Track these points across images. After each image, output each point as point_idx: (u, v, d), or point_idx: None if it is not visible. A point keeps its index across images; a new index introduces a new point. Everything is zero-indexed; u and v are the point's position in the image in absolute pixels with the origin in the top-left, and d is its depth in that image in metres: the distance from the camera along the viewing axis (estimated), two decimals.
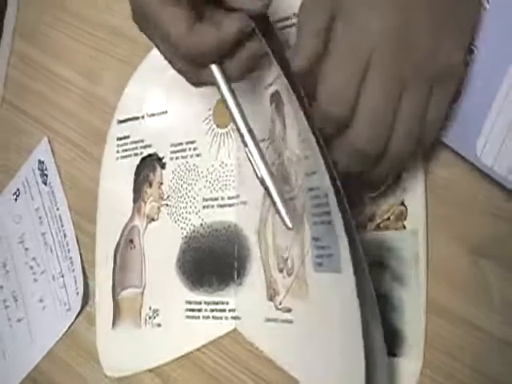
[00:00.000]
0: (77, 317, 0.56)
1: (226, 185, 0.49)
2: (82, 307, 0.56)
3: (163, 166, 0.52)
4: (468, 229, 0.38)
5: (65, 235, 0.58)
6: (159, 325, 0.51)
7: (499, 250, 0.37)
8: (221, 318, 0.47)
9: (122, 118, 0.56)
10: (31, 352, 0.58)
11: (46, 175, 0.61)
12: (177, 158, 0.52)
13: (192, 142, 0.51)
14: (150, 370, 0.51)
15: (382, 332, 0.35)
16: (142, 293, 0.52)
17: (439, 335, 0.38)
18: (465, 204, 0.38)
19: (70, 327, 0.56)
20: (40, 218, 0.60)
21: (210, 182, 0.50)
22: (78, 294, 0.56)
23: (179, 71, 0.39)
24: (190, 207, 0.50)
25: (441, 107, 0.35)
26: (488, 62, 0.36)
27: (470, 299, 0.37)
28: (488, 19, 0.35)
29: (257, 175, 0.37)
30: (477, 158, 0.36)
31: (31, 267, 0.60)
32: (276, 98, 0.45)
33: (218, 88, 0.38)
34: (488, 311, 0.37)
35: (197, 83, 0.39)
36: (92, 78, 0.59)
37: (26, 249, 0.61)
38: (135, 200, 0.54)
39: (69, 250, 0.57)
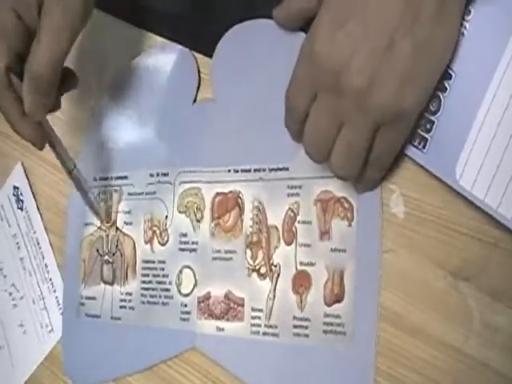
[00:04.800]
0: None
1: None
2: None
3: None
4: (447, 252, 0.38)
5: (43, 257, 0.58)
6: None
7: (478, 272, 0.37)
8: None
9: None
10: (12, 378, 0.58)
11: (22, 200, 0.61)
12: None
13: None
14: (114, 381, 0.52)
15: None
16: None
17: (418, 357, 0.38)
18: (444, 227, 0.38)
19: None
20: (17, 243, 0.60)
21: None
22: (62, 314, 0.56)
23: None
24: None
25: (387, 147, 0.37)
26: (466, 85, 0.35)
27: (449, 322, 0.38)
28: (466, 44, 0.35)
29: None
30: (456, 181, 0.36)
31: (10, 293, 0.60)
32: None
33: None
34: (468, 334, 0.37)
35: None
36: (76, 103, 0.58)
37: (5, 276, 0.61)
38: None
39: (48, 272, 0.58)
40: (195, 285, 0.48)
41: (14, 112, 0.43)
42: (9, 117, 0.44)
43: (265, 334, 0.44)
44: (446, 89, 0.36)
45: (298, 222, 0.44)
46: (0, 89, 0.43)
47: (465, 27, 0.35)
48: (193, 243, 0.48)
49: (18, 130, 0.44)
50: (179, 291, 0.48)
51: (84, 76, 0.51)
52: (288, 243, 0.44)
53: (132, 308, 0.51)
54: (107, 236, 0.54)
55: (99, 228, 0.54)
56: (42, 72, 0.42)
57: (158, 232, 0.50)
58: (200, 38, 0.51)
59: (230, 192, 0.47)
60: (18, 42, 0.43)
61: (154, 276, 0.50)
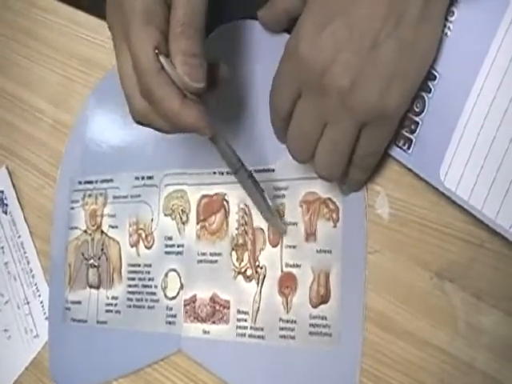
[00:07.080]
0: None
1: None
2: None
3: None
4: (432, 253, 0.38)
5: (28, 262, 0.58)
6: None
7: (464, 273, 0.37)
8: None
9: None
10: None
11: (7, 204, 0.60)
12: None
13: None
14: None
15: None
16: None
17: (404, 359, 0.38)
18: (429, 227, 0.39)
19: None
20: (2, 247, 0.60)
21: None
22: (47, 319, 0.56)
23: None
24: None
25: (371, 147, 0.37)
26: (450, 85, 0.36)
27: (435, 323, 0.38)
28: (450, 46, 0.35)
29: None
30: (440, 182, 0.36)
31: None
32: None
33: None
34: (453, 335, 0.37)
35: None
36: (62, 106, 0.58)
37: None
38: None
39: (33, 276, 0.57)
40: (181, 288, 0.47)
41: (173, 98, 0.36)
42: (169, 105, 0.36)
43: (251, 336, 0.44)
44: (430, 89, 0.36)
45: (284, 223, 0.44)
46: (152, 75, 0.35)
47: (448, 28, 0.35)
48: (178, 246, 0.48)
49: (183, 118, 0.37)
50: (165, 294, 0.48)
51: (70, 78, 0.51)
52: (274, 245, 0.44)
53: (118, 312, 0.51)
54: (92, 240, 0.53)
55: (84, 232, 0.54)
56: (187, 21, 0.36)
57: (143, 235, 0.50)
58: None
59: (216, 194, 0.47)
60: (163, 18, 0.36)
61: (140, 279, 0.50)
